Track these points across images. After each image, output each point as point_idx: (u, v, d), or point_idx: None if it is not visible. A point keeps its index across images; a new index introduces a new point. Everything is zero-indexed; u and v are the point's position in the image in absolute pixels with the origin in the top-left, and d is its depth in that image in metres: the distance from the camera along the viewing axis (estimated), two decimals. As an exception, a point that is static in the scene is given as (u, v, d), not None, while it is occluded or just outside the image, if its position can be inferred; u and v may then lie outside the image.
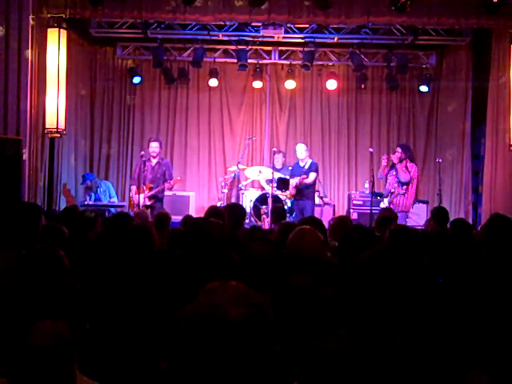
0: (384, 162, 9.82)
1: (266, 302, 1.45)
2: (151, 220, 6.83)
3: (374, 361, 2.08)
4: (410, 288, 2.82)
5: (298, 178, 10.09)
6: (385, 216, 6.67)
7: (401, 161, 9.69)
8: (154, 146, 9.92)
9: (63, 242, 4.42)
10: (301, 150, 10.27)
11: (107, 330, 3.04)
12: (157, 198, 9.80)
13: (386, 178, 10.00)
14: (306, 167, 10.12)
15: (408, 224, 9.30)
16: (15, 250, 3.78)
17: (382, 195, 10.47)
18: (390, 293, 2.73)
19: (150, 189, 9.71)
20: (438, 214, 7.01)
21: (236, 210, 6.36)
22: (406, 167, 9.67)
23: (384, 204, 9.94)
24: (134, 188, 9.97)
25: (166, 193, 10.91)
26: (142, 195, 9.64)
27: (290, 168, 10.80)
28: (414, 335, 2.32)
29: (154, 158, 9.89)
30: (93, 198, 10.99)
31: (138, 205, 9.50)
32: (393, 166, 9.78)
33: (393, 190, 9.74)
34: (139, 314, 3.24)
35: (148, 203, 9.62)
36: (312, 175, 10.01)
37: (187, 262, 4.03)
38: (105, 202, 10.83)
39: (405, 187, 9.68)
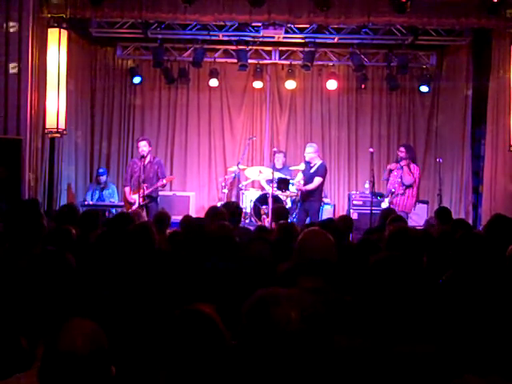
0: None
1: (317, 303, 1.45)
2: (148, 220, 6.84)
3: (379, 364, 2.08)
4: (415, 289, 2.81)
5: (301, 179, 10.08)
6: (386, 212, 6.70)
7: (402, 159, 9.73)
8: (142, 145, 9.87)
9: (70, 243, 4.44)
10: (307, 151, 10.12)
11: (110, 329, 3.03)
12: (151, 198, 9.77)
13: (388, 178, 10.00)
14: (312, 171, 9.99)
15: (409, 224, 9.31)
16: (23, 249, 3.80)
17: (382, 195, 10.47)
18: (395, 295, 2.72)
19: (146, 188, 9.65)
20: (442, 214, 7.00)
21: (233, 208, 6.39)
22: (409, 169, 9.68)
23: (385, 204, 9.94)
24: (127, 189, 9.96)
25: (166, 192, 10.92)
26: (136, 195, 9.62)
27: (294, 167, 10.78)
28: (418, 338, 2.32)
29: (145, 157, 9.86)
30: (96, 196, 11.00)
31: (137, 204, 9.49)
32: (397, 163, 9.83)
33: (393, 190, 9.74)
34: (141, 312, 3.23)
35: (142, 203, 9.58)
36: (316, 180, 9.83)
37: (187, 263, 4.03)
38: (106, 202, 10.84)
39: (404, 187, 9.68)
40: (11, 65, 8.96)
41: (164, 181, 9.83)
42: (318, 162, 10.05)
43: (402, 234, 3.94)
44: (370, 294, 2.71)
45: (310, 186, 9.83)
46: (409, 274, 2.69)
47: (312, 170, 9.96)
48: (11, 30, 8.93)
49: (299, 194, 10.17)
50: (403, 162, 9.75)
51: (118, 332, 2.84)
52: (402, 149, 9.90)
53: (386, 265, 2.73)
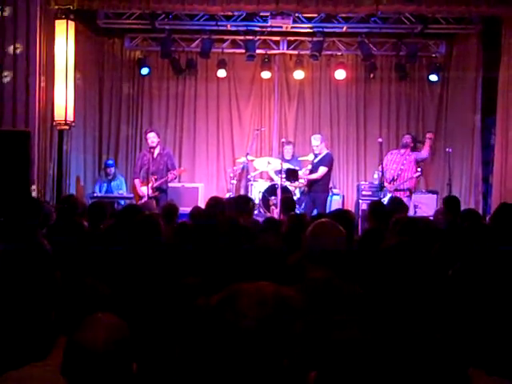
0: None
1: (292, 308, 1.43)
2: (157, 211, 6.85)
3: (385, 352, 2.06)
4: (424, 280, 2.79)
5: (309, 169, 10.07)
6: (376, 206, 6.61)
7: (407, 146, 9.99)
8: (152, 137, 9.86)
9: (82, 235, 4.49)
10: (313, 144, 10.11)
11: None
12: (161, 190, 9.77)
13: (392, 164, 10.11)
14: (317, 160, 9.95)
15: (418, 215, 9.27)
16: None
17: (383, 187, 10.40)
18: (405, 284, 2.70)
19: (155, 180, 9.66)
20: (450, 202, 6.95)
21: (239, 200, 6.39)
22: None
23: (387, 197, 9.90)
24: (137, 181, 9.96)
25: (175, 184, 10.92)
26: (145, 187, 9.63)
27: (303, 158, 10.77)
28: (426, 328, 2.31)
29: (155, 148, 9.83)
30: (104, 188, 11.01)
31: (147, 196, 9.50)
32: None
33: (395, 177, 9.76)
34: (149, 305, 3.23)
35: (152, 195, 9.58)
36: (321, 170, 9.80)
37: (196, 256, 4.03)
38: (114, 193, 10.85)
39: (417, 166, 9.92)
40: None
41: (175, 172, 9.83)
42: (323, 152, 10.05)
43: (407, 224, 3.91)
44: (381, 280, 2.70)
45: (314, 176, 9.82)
46: (418, 259, 2.67)
47: (316, 160, 9.95)
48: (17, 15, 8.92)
49: (305, 182, 10.18)
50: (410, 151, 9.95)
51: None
52: (409, 136, 10.16)
53: (397, 250, 2.72)
